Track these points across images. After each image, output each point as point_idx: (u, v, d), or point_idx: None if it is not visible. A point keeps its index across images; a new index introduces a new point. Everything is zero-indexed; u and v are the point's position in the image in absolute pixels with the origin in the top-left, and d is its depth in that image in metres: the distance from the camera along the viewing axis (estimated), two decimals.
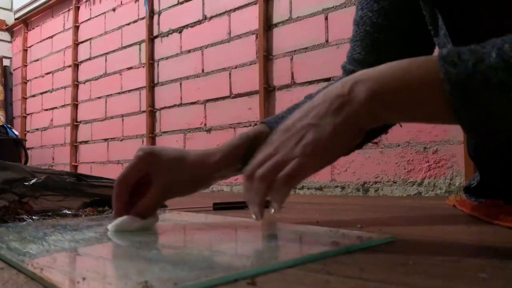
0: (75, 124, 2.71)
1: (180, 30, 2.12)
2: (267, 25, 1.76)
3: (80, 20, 2.76)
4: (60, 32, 2.93)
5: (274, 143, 0.45)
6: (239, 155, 0.57)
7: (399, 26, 0.63)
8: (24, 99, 3.18)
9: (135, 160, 0.54)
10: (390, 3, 0.63)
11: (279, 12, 1.73)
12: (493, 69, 0.34)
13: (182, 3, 2.13)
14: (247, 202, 0.45)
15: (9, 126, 2.22)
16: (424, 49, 0.64)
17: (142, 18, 2.31)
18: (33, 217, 0.71)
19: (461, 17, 0.52)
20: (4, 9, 3.38)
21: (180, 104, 2.10)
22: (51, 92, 2.95)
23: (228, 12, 1.91)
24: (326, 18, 1.58)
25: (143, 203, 0.53)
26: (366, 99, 0.39)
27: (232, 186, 1.88)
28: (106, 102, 2.52)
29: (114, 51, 2.49)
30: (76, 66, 2.74)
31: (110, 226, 0.52)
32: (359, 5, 0.67)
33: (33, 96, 3.12)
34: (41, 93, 3.04)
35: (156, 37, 2.25)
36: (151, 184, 0.54)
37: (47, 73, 3.00)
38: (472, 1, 0.51)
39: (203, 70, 2.00)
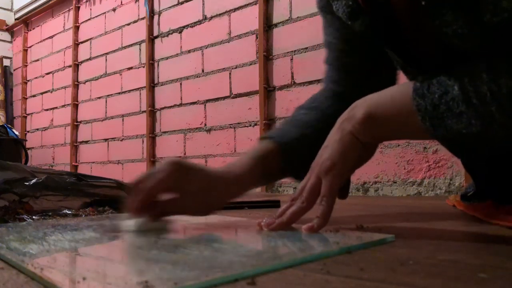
0: (75, 124, 2.71)
1: (180, 30, 2.12)
2: (267, 25, 1.76)
3: (80, 20, 2.76)
4: (60, 32, 2.93)
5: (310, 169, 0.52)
6: (258, 176, 0.60)
7: (361, 50, 0.67)
8: (24, 99, 3.18)
9: (164, 174, 0.52)
10: (349, 31, 0.64)
11: (279, 12, 1.73)
12: (455, 101, 0.40)
13: (182, 3, 2.13)
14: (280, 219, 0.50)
15: (9, 126, 2.22)
16: (389, 66, 0.67)
17: (142, 18, 2.31)
18: (33, 217, 0.71)
19: (409, 56, 0.56)
20: (4, 9, 3.39)
21: (180, 104, 2.10)
22: (51, 92, 2.96)
23: (228, 12, 1.91)
24: None
25: (162, 213, 0.54)
26: (362, 118, 0.47)
27: None
28: (106, 102, 2.53)
29: (114, 51, 2.49)
30: (76, 66, 2.74)
31: (126, 225, 0.53)
32: (324, 30, 0.71)
33: (33, 96, 3.12)
34: (41, 93, 3.04)
35: (156, 37, 2.25)
36: (174, 197, 0.54)
37: (47, 73, 3.00)
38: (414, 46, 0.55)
39: (203, 70, 2.00)
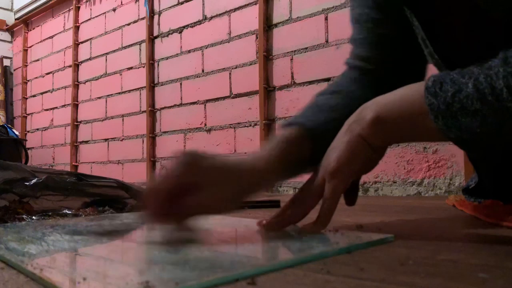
0: (75, 124, 2.71)
1: (180, 30, 2.12)
2: (267, 25, 1.76)
3: (80, 20, 2.76)
4: (60, 32, 2.93)
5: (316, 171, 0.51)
6: (287, 163, 0.53)
7: (396, 20, 0.61)
8: (25, 99, 3.18)
9: (180, 167, 0.47)
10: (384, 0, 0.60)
11: (279, 12, 1.73)
12: (469, 99, 0.39)
13: (182, 3, 2.13)
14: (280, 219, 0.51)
15: (9, 126, 2.22)
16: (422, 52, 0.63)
17: (142, 18, 2.31)
18: (33, 217, 0.71)
19: (434, 27, 0.54)
20: (5, 9, 3.38)
21: (180, 104, 2.10)
22: (51, 92, 2.96)
23: (228, 12, 1.91)
24: (326, 18, 1.58)
25: (185, 215, 0.49)
26: (371, 121, 0.46)
27: None
28: (106, 102, 2.53)
29: (114, 51, 2.49)
30: (76, 66, 2.74)
31: (157, 237, 0.49)
32: (355, 2, 0.66)
33: (34, 96, 3.12)
34: (42, 93, 3.04)
35: (156, 37, 2.25)
36: (192, 196, 0.47)
37: (47, 73, 3.00)
38: (443, 13, 0.52)
39: (203, 70, 2.00)
